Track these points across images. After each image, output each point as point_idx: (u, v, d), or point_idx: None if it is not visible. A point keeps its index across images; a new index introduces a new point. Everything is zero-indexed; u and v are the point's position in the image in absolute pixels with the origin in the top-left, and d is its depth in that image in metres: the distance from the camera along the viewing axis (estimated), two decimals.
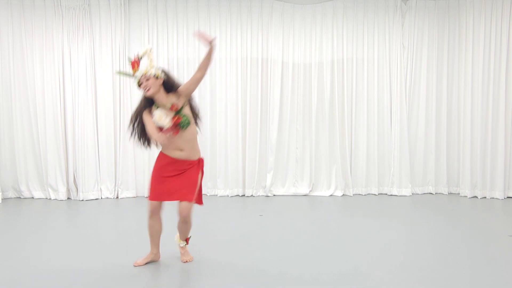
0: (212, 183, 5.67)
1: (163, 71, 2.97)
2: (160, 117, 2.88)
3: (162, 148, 3.03)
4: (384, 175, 5.71)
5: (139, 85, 2.93)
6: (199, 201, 3.18)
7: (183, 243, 3.22)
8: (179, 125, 2.89)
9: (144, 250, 3.46)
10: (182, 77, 5.57)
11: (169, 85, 2.96)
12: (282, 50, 5.58)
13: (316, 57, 5.61)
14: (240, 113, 5.55)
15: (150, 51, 2.92)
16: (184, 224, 3.09)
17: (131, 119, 3.06)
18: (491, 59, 5.34)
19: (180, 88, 2.96)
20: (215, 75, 5.58)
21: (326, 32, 5.59)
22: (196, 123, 3.10)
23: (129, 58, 3.01)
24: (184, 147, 2.96)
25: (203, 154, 5.64)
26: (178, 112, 2.91)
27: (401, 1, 5.58)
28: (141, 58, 2.92)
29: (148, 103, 2.99)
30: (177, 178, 2.98)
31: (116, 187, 5.57)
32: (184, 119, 2.91)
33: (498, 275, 2.95)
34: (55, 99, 5.38)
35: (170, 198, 3.02)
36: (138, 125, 3.04)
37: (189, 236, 3.23)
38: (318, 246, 3.57)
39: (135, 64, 2.92)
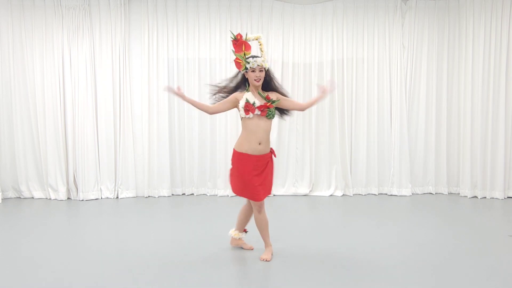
0: (212, 183, 5.67)
1: (268, 67, 3.19)
2: (252, 96, 3.09)
3: (245, 146, 3.12)
4: (384, 175, 5.71)
5: (246, 68, 3.06)
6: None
7: (242, 234, 3.43)
8: (268, 110, 3.08)
9: (144, 250, 3.46)
10: (182, 77, 5.59)
11: (264, 81, 3.14)
12: (282, 50, 5.58)
13: (316, 57, 5.61)
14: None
15: (261, 42, 3.10)
16: (251, 215, 3.36)
17: (222, 87, 3.26)
18: (491, 59, 5.34)
19: (279, 93, 3.19)
20: (215, 75, 5.58)
21: (326, 32, 5.59)
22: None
23: (232, 34, 3.08)
24: (263, 139, 3.12)
25: (202, 154, 5.70)
26: (271, 101, 3.11)
27: (401, 1, 5.58)
28: (249, 40, 3.06)
29: (234, 87, 3.23)
30: (262, 175, 3.16)
31: (116, 187, 5.57)
32: (273, 110, 3.12)
33: (498, 275, 2.95)
34: (55, 99, 5.38)
35: (268, 193, 3.27)
36: (222, 95, 3.24)
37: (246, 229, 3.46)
38: (318, 247, 3.57)
39: (244, 44, 3.04)
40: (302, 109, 3.30)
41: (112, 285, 2.80)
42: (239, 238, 3.42)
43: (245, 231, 3.44)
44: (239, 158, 3.15)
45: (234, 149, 3.20)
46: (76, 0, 5.32)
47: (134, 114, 5.55)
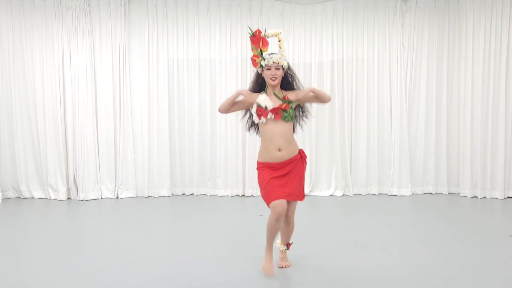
0: (212, 183, 5.67)
1: (288, 64, 2.90)
2: (265, 99, 2.81)
3: (264, 156, 2.86)
4: (384, 175, 5.71)
5: (262, 66, 2.82)
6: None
7: (283, 247, 3.09)
8: (283, 112, 2.79)
9: (144, 250, 3.46)
10: (182, 77, 5.59)
11: (285, 80, 2.89)
12: None
13: (316, 57, 5.61)
14: (239, 113, 5.53)
15: (281, 39, 2.86)
16: (288, 225, 2.96)
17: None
18: (491, 59, 5.34)
19: (298, 91, 2.90)
20: (215, 75, 5.59)
21: (326, 32, 5.59)
22: (298, 122, 3.01)
23: (250, 30, 2.85)
24: (282, 145, 2.80)
25: (202, 155, 5.70)
26: (287, 102, 2.81)
27: (401, 1, 5.58)
28: (267, 37, 2.85)
29: (258, 89, 2.92)
30: (288, 178, 2.83)
31: (116, 187, 5.57)
32: (291, 111, 2.82)
33: (498, 275, 2.95)
34: (55, 99, 5.38)
35: (289, 197, 2.83)
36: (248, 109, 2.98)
37: (290, 242, 3.10)
38: (317, 247, 3.57)
39: (261, 41, 2.82)
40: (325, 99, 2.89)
41: (111, 285, 2.80)
42: (282, 251, 3.10)
43: (288, 245, 3.11)
44: (259, 167, 2.89)
45: (257, 161, 2.93)
46: (76, 0, 5.32)
47: (134, 114, 5.55)
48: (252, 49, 2.85)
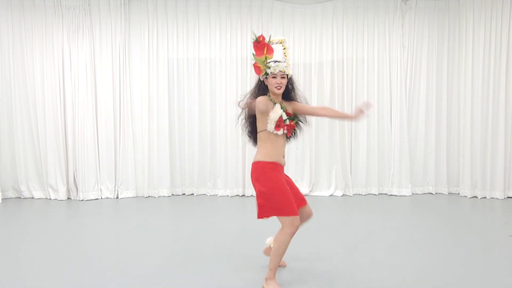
0: (212, 183, 5.68)
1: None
2: (281, 111, 2.72)
3: (274, 156, 2.74)
4: (384, 175, 5.72)
5: (267, 74, 2.72)
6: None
7: None
8: (293, 130, 2.81)
9: (144, 250, 3.46)
10: (182, 77, 5.59)
11: (286, 90, 2.81)
12: None
13: (316, 57, 5.61)
14: (239, 113, 5.53)
15: (285, 46, 2.80)
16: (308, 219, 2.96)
17: (245, 107, 2.87)
18: (491, 59, 5.34)
19: (298, 103, 2.86)
20: (215, 75, 5.59)
21: (326, 32, 5.59)
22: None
23: (254, 35, 2.75)
24: (284, 154, 2.82)
25: (202, 155, 5.70)
26: (292, 118, 2.79)
27: (401, 1, 5.58)
28: (272, 43, 2.77)
29: (261, 94, 2.81)
30: (289, 185, 2.80)
31: (116, 187, 5.57)
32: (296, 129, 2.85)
33: (498, 275, 2.95)
34: (55, 99, 5.38)
35: (300, 204, 2.84)
36: (250, 116, 2.89)
37: None
38: (317, 247, 3.57)
39: (266, 48, 2.71)
40: (321, 115, 2.97)
41: (111, 285, 2.80)
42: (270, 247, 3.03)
43: None
44: (271, 168, 2.70)
45: (259, 161, 2.73)
46: (76, 0, 5.32)
47: (134, 114, 5.55)
48: (255, 55, 2.76)
